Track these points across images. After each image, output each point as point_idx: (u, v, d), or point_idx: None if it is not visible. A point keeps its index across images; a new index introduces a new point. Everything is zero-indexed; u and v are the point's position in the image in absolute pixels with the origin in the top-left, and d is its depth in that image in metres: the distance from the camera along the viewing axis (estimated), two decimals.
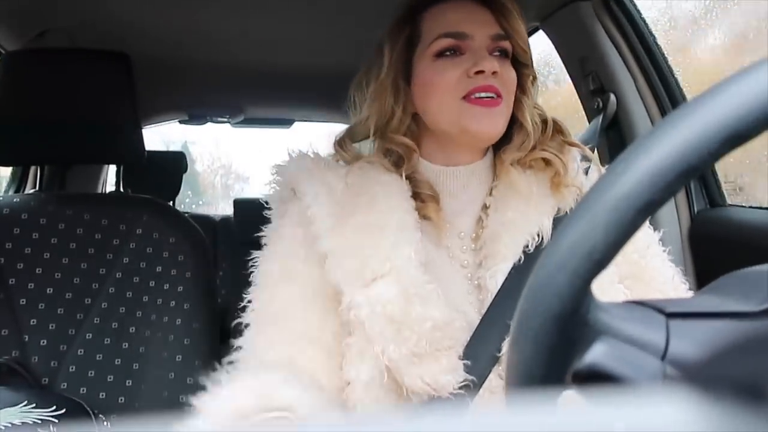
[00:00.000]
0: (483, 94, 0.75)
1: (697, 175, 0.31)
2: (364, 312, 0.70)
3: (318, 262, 0.74)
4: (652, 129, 0.32)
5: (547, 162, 0.81)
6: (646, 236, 0.85)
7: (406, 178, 0.79)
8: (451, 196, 0.81)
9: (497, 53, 0.79)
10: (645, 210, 0.31)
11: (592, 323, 0.34)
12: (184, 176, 2.61)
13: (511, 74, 0.79)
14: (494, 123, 0.76)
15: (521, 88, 0.81)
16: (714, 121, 0.30)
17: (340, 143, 0.84)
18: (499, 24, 0.79)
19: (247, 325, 0.77)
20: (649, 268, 0.82)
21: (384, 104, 0.80)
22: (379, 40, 0.83)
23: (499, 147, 0.83)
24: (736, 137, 0.30)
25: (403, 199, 0.77)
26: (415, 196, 0.78)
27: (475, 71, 0.75)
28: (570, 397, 0.34)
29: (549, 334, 0.33)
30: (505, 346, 0.69)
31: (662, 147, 0.31)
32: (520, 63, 0.81)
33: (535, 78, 0.83)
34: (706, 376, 0.29)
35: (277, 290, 0.76)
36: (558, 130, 0.83)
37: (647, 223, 0.84)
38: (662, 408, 0.22)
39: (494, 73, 0.75)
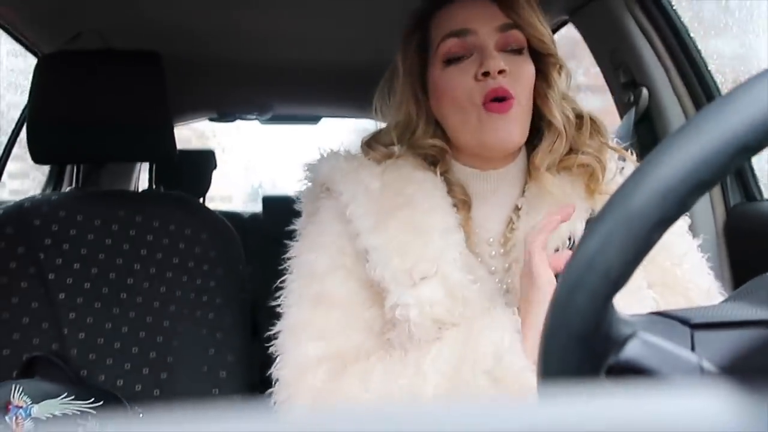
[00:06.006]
0: (494, 99, 0.72)
1: (708, 190, 0.31)
2: (413, 312, 0.70)
3: (360, 258, 0.75)
4: (662, 144, 0.32)
5: (584, 164, 0.77)
6: (683, 243, 0.81)
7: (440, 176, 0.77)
8: (482, 200, 0.79)
9: (509, 49, 0.75)
10: (659, 226, 0.31)
11: (615, 338, 0.34)
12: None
13: (526, 69, 0.75)
14: (509, 131, 0.73)
15: (545, 81, 0.77)
16: (723, 135, 0.30)
17: (369, 144, 0.82)
18: (506, 15, 0.75)
19: (276, 310, 0.77)
20: (682, 278, 0.78)
21: (406, 115, 0.79)
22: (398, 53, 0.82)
23: (531, 146, 0.80)
24: (747, 149, 0.30)
25: (442, 198, 0.75)
26: None
27: (481, 73, 0.73)
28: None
29: (573, 352, 0.33)
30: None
31: (673, 162, 0.31)
32: (541, 53, 0.77)
33: (562, 67, 0.79)
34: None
35: (332, 281, 0.75)
36: (596, 128, 0.79)
37: (686, 229, 0.82)
38: (700, 401, 0.22)
39: (501, 72, 0.72)
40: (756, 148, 0.30)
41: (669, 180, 0.30)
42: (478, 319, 0.70)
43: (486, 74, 0.73)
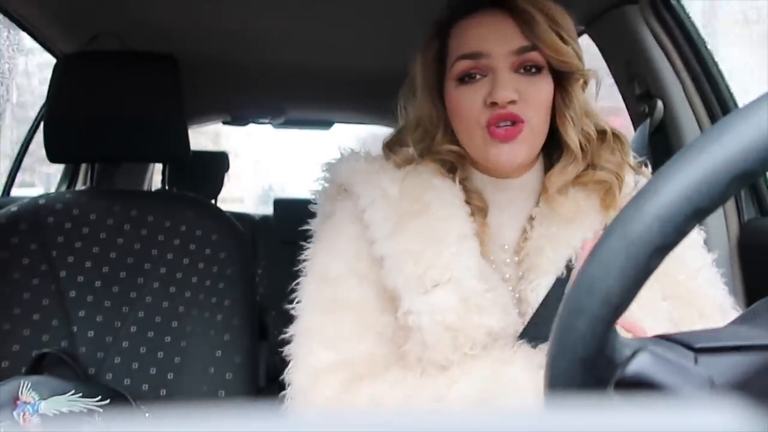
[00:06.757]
0: (502, 123, 0.72)
1: (705, 217, 0.31)
2: (424, 319, 0.70)
3: (376, 264, 0.75)
4: (660, 170, 0.32)
5: (601, 180, 0.77)
6: (697, 258, 0.80)
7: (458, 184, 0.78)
8: (499, 209, 0.80)
9: (524, 70, 0.74)
10: (658, 253, 0.31)
11: (618, 361, 0.34)
12: None
13: (542, 90, 0.74)
14: (514, 155, 0.73)
15: (565, 99, 0.76)
16: (721, 162, 0.30)
17: (390, 147, 0.83)
18: (524, 36, 0.73)
19: (290, 318, 0.77)
20: (696, 293, 0.78)
21: (425, 122, 0.80)
22: (414, 58, 0.82)
23: (549, 160, 0.80)
24: (744, 176, 0.30)
25: (460, 206, 0.76)
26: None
27: (490, 102, 0.72)
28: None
29: (577, 374, 0.34)
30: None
31: (670, 190, 0.31)
32: (561, 71, 0.75)
33: (586, 83, 0.77)
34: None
35: (346, 286, 0.75)
36: (619, 145, 0.78)
37: (702, 243, 0.82)
38: (710, 414, 0.22)
39: (511, 102, 0.71)
40: (755, 174, 0.30)
41: (666, 207, 0.31)
42: (503, 353, 0.69)
43: (495, 104, 0.72)
